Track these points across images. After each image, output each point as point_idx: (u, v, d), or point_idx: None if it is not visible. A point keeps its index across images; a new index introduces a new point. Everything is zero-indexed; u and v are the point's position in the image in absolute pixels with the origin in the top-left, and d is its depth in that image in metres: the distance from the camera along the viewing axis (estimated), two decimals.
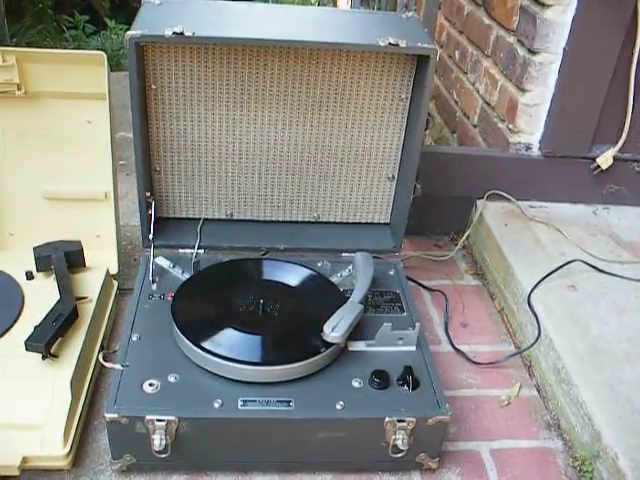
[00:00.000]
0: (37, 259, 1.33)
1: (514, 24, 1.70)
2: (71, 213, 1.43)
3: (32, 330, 1.14)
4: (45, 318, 1.17)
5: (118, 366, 1.10)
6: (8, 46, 1.26)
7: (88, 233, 1.42)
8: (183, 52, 1.26)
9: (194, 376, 1.10)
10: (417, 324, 1.20)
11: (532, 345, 1.37)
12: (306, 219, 1.49)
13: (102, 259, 1.41)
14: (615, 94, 1.62)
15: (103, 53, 1.28)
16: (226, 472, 1.12)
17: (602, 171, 1.70)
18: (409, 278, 1.48)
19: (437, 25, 2.35)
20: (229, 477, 1.11)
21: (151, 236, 1.36)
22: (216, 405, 1.05)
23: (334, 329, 1.11)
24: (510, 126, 1.71)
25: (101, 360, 1.19)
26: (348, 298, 1.22)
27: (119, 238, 1.45)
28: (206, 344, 1.11)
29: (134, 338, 1.16)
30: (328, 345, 1.12)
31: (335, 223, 1.50)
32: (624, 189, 1.76)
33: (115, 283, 1.43)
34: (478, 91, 1.96)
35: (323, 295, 1.27)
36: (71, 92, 1.34)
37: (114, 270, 1.43)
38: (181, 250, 1.40)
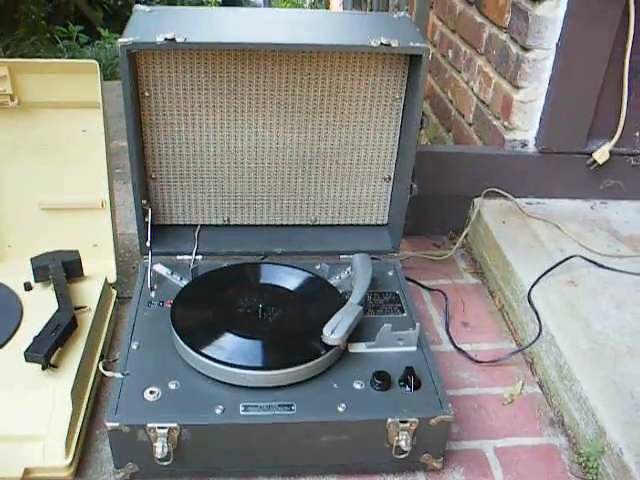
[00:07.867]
0: (35, 270, 1.33)
1: (506, 21, 1.70)
2: (68, 223, 1.42)
3: (31, 341, 1.14)
4: (44, 328, 1.17)
5: (118, 374, 1.10)
6: (1, 57, 1.26)
7: (86, 242, 1.42)
8: (175, 58, 1.26)
9: (195, 382, 1.10)
10: (417, 324, 1.19)
11: (533, 342, 1.36)
12: (303, 222, 1.49)
13: (100, 268, 1.40)
14: (609, 88, 1.62)
15: (95, 61, 1.27)
16: (230, 478, 1.11)
17: (599, 166, 1.70)
18: (408, 278, 1.48)
19: (430, 25, 2.35)
20: None
21: (148, 243, 1.36)
22: (218, 411, 1.04)
23: (333, 331, 1.11)
24: (505, 123, 1.71)
25: (101, 369, 1.18)
26: (347, 300, 1.22)
27: (117, 246, 1.45)
28: (206, 350, 1.10)
29: (134, 346, 1.16)
30: (328, 347, 1.12)
31: (332, 225, 1.50)
32: (621, 183, 1.76)
33: (114, 292, 1.43)
34: (472, 89, 1.96)
35: (322, 298, 1.27)
36: (65, 101, 1.33)
37: (112, 279, 1.43)
38: (179, 257, 1.40)
